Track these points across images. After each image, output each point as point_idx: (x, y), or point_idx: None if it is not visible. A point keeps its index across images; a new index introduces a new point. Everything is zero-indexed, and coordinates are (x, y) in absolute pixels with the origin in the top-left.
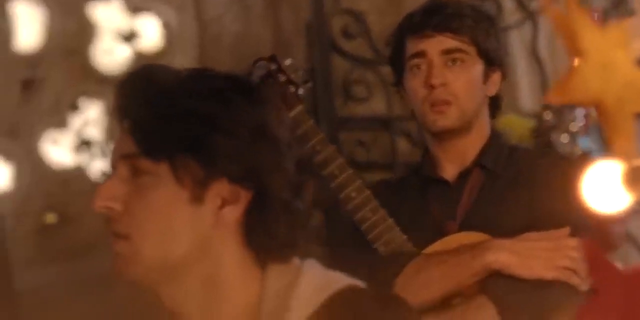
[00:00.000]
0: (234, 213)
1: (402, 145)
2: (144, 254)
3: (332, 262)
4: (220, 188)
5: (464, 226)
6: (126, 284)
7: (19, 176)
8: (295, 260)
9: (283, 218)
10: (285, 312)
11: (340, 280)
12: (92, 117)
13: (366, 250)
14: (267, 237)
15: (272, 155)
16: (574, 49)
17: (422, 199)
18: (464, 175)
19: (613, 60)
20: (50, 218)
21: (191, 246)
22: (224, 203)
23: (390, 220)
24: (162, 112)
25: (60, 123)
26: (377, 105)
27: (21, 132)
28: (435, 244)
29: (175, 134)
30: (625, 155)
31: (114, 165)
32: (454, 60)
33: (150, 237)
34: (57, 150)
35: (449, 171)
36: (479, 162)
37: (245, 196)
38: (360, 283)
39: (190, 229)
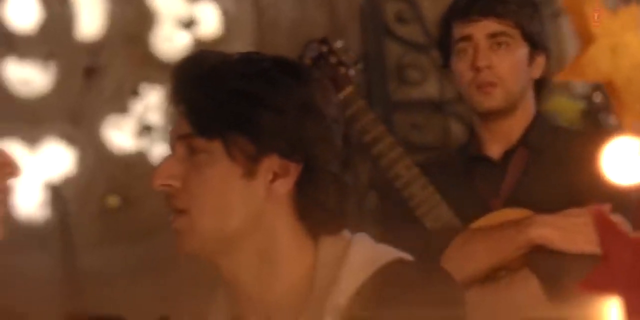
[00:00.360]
0: (284, 186)
1: (455, 127)
2: (202, 227)
3: (386, 238)
4: (271, 163)
5: (508, 203)
6: (185, 266)
7: (82, 161)
8: (346, 233)
9: (332, 190)
10: (335, 283)
11: (388, 253)
12: (152, 102)
13: (415, 226)
14: (317, 208)
15: (319, 131)
16: (585, 32)
17: (468, 177)
18: (509, 154)
19: (623, 43)
20: (113, 201)
21: (246, 219)
22: (275, 177)
23: (438, 197)
24: (214, 93)
25: (121, 109)
26: (430, 89)
27: (84, 118)
28: (481, 220)
29: (226, 114)
30: (634, 132)
31: (172, 147)
32: (499, 44)
33: (207, 211)
34: (119, 135)
35: (495, 150)
36: (524, 142)
37: (295, 170)
38: (407, 256)
39: (244, 203)
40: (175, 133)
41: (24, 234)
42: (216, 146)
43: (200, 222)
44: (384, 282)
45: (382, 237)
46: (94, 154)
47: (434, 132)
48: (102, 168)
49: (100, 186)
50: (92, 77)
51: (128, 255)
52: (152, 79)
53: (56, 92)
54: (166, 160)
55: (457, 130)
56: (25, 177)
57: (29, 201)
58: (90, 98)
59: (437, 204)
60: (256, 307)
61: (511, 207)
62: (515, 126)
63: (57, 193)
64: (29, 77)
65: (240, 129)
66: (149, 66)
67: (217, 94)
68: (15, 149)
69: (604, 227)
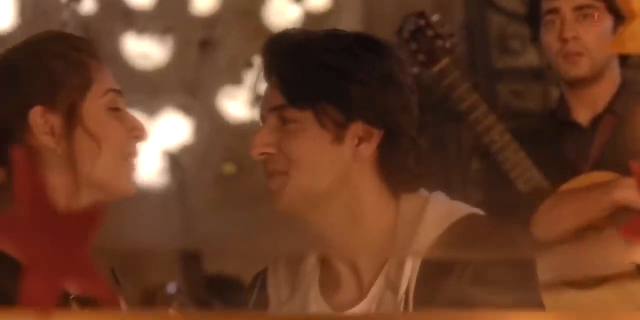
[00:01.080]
0: (368, 149)
1: (554, 93)
2: (297, 186)
3: (487, 200)
4: (356, 129)
5: (596, 166)
6: (295, 228)
7: (199, 130)
8: (424, 192)
9: (410, 152)
10: (415, 234)
11: (462, 208)
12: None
13: (508, 189)
14: (397, 168)
15: (398, 99)
16: (629, 9)
17: (558, 142)
18: (596, 119)
19: None
20: (228, 168)
21: (334, 178)
22: (360, 141)
23: (529, 161)
24: (305, 67)
25: (235, 80)
26: (531, 57)
27: (200, 90)
28: (569, 183)
29: (316, 86)
30: None
31: (263, 117)
32: (584, 16)
33: (302, 172)
34: (234, 105)
35: (583, 116)
36: (610, 108)
37: (377, 134)
38: (480, 212)
39: (334, 165)
40: (266, 105)
41: (144, 200)
42: (307, 115)
43: (295, 183)
44: (458, 233)
45: (484, 199)
46: (210, 123)
47: (534, 98)
48: (217, 137)
49: (215, 154)
50: (207, 50)
51: (243, 219)
52: None
53: (173, 64)
54: (260, 131)
55: (556, 96)
56: (145, 145)
57: (149, 169)
58: (205, 70)
59: (528, 168)
60: (343, 254)
61: (598, 170)
62: (601, 93)
63: (175, 161)
64: (148, 51)
65: (328, 100)
66: (262, 38)
67: (307, 68)
68: None
69: None
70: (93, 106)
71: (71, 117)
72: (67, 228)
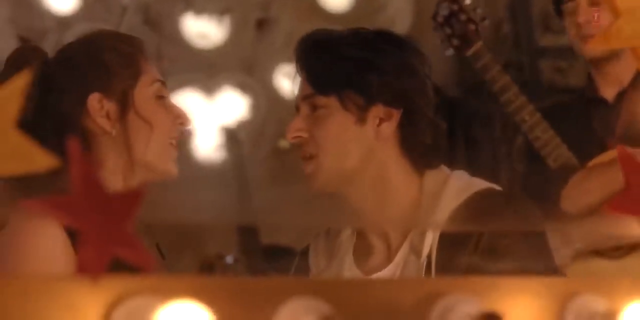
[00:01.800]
0: (389, 128)
1: None
2: (328, 167)
3: (526, 173)
4: (377, 110)
5: (623, 141)
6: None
7: (255, 106)
8: (445, 169)
9: (427, 130)
10: (436, 206)
11: (480, 184)
12: None
13: (540, 166)
14: (417, 144)
15: (414, 84)
16: (613, 7)
17: (586, 118)
18: (621, 95)
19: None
20: (283, 143)
21: (361, 157)
22: (381, 121)
23: (558, 139)
24: (327, 60)
25: (291, 58)
26: None
27: (257, 68)
28: (597, 158)
29: (338, 75)
30: None
31: (297, 106)
32: (597, 4)
33: (331, 153)
34: (289, 82)
35: (609, 92)
36: (634, 84)
37: (396, 114)
38: (497, 187)
39: (359, 144)
40: (299, 95)
41: (203, 174)
42: (332, 101)
43: (325, 164)
44: (474, 205)
45: (525, 171)
46: (266, 100)
47: (576, 75)
48: (273, 113)
49: (271, 129)
50: (263, 29)
51: (298, 192)
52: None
53: (231, 44)
54: (294, 118)
55: None
56: (204, 122)
57: (208, 144)
58: (262, 49)
59: (557, 146)
60: (375, 226)
61: (625, 145)
62: (624, 70)
63: (233, 136)
64: (206, 31)
65: (350, 86)
66: (316, 17)
67: (330, 60)
68: (195, 97)
69: (625, 161)
70: (143, 93)
71: (125, 103)
72: (114, 206)
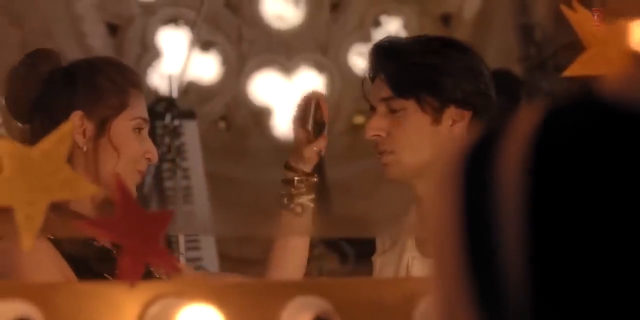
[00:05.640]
0: (461, 128)
1: None
2: (404, 161)
3: None
4: (451, 112)
5: None
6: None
7: (331, 85)
8: None
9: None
10: None
11: None
12: (392, 31)
13: None
14: None
15: (481, 86)
16: (585, 40)
17: None
18: None
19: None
20: (358, 120)
21: (434, 153)
22: (454, 122)
23: None
24: (407, 66)
25: (364, 38)
26: None
27: (331, 48)
28: None
29: (416, 80)
30: None
31: (373, 105)
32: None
33: (408, 150)
34: (363, 61)
35: None
36: None
37: (467, 115)
38: None
39: (433, 142)
40: (376, 96)
41: (281, 151)
42: (410, 104)
43: (402, 158)
44: None
45: None
46: (342, 79)
47: None
48: (348, 91)
49: (347, 107)
50: (337, 11)
51: (372, 167)
52: (391, 11)
53: (307, 25)
54: (373, 117)
55: None
56: (283, 101)
57: (286, 122)
58: (336, 29)
59: None
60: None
61: None
62: None
63: None
64: (284, 13)
65: (427, 90)
66: (387, 0)
67: (408, 66)
68: (274, 77)
69: None
70: (121, 125)
71: (102, 128)
72: (148, 225)
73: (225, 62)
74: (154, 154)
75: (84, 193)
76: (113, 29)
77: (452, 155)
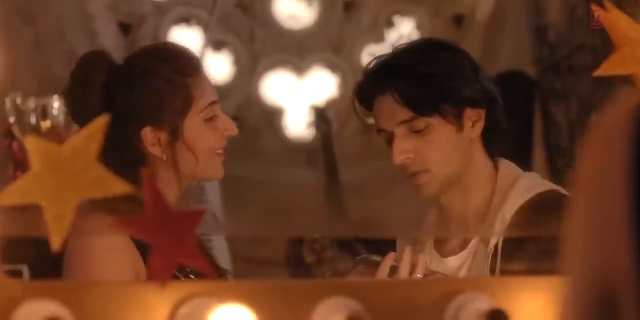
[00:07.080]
0: (479, 127)
1: None
2: (440, 177)
3: None
4: (469, 114)
5: None
6: None
7: (344, 85)
8: (519, 170)
9: (505, 128)
10: (503, 204)
11: (547, 185)
12: (405, 32)
13: None
14: (497, 143)
15: (484, 81)
16: (615, 39)
17: None
18: None
19: None
20: (370, 120)
21: (462, 160)
22: (474, 123)
23: None
24: (418, 81)
25: (378, 38)
26: None
27: (345, 48)
28: None
29: (433, 93)
30: None
31: (384, 128)
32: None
33: (441, 165)
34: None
35: None
36: None
37: (483, 113)
38: (562, 190)
39: (461, 150)
40: (391, 120)
41: (293, 151)
42: (434, 119)
43: (438, 175)
44: (535, 205)
45: None
46: (354, 79)
47: None
48: None
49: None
50: (350, 11)
51: (384, 168)
52: (404, 12)
53: (319, 25)
54: (395, 142)
55: None
56: (295, 101)
57: (298, 122)
58: (349, 29)
59: None
60: (457, 219)
61: None
62: None
63: (322, 114)
64: (296, 13)
65: (444, 100)
66: (401, 0)
67: (418, 82)
68: (286, 77)
69: None
70: (193, 123)
71: (174, 134)
72: (179, 224)
73: (237, 62)
74: (232, 129)
75: (114, 191)
76: (125, 29)
77: (616, 114)
